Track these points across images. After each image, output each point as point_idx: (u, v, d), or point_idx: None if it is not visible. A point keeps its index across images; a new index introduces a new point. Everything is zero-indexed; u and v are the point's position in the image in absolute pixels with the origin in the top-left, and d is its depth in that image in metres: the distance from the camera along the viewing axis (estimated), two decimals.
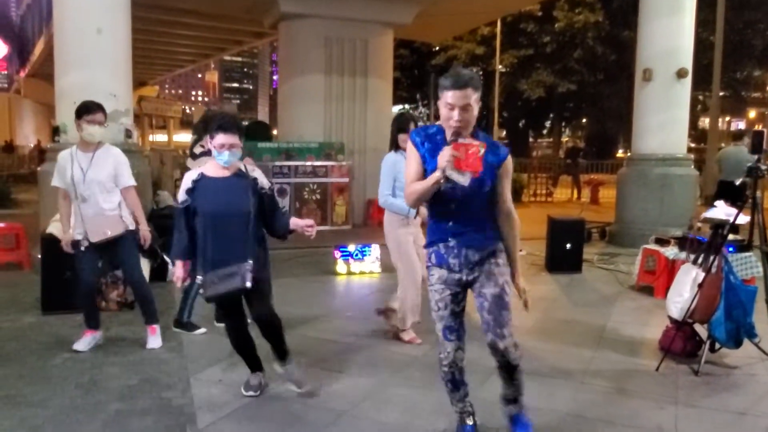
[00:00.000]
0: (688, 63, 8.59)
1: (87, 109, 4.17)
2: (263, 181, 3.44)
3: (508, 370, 2.87)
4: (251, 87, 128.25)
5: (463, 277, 2.76)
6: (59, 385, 3.62)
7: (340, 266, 6.87)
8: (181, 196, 3.35)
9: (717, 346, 4.20)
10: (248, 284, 3.21)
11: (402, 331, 4.49)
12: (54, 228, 5.02)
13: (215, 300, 3.41)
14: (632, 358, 4.29)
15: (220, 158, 3.31)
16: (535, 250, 8.11)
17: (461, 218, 2.72)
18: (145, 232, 4.31)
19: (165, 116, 39.66)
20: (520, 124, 38.53)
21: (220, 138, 3.26)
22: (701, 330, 4.26)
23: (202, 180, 3.34)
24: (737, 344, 4.07)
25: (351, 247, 6.95)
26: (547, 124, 39.67)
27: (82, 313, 4.34)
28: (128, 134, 6.53)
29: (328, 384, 3.75)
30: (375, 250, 6.94)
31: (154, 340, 4.32)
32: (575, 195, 16.70)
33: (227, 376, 3.82)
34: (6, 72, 52.87)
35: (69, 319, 4.74)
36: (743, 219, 4.17)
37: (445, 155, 2.45)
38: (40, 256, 5.29)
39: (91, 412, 3.27)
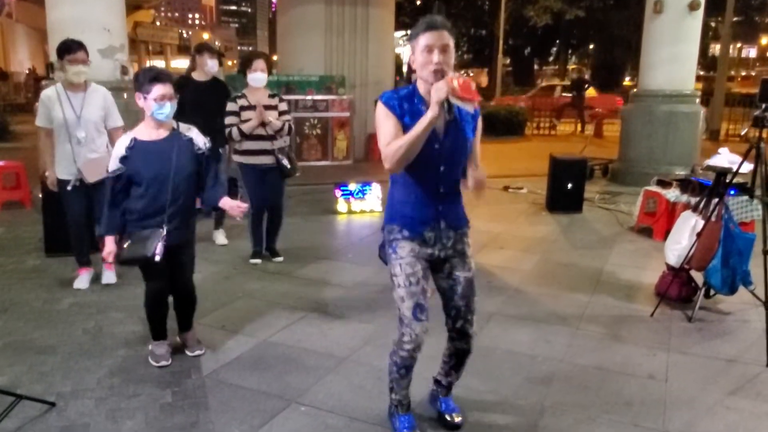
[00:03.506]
0: None
1: (67, 49, 4.13)
2: (199, 141, 3.28)
3: (462, 357, 2.76)
4: (250, 10, 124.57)
5: (435, 252, 2.56)
6: (66, 330, 3.71)
7: (341, 205, 6.89)
8: (114, 164, 3.13)
9: (712, 292, 4.26)
10: (157, 257, 3.08)
11: None
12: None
13: (137, 263, 3.20)
14: (628, 303, 4.37)
15: (161, 112, 3.09)
16: (536, 188, 8.11)
17: (449, 184, 2.53)
18: None
19: (162, 42, 38.77)
20: (526, 52, 37.58)
21: (159, 89, 3.06)
22: (697, 276, 4.31)
23: (135, 145, 3.13)
24: (732, 291, 4.12)
25: (352, 186, 6.94)
26: (553, 51, 38.69)
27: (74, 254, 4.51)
28: (124, 71, 6.39)
29: (329, 330, 3.83)
30: (375, 188, 6.93)
31: (110, 276, 4.51)
32: (579, 128, 16.50)
33: (230, 322, 3.91)
34: None
35: (72, 262, 4.77)
36: (747, 167, 4.13)
37: (441, 87, 2.25)
38: (40, 195, 5.30)
39: (98, 358, 3.37)
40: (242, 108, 4.80)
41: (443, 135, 2.46)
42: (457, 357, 2.76)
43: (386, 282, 4.39)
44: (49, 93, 4.24)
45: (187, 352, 3.47)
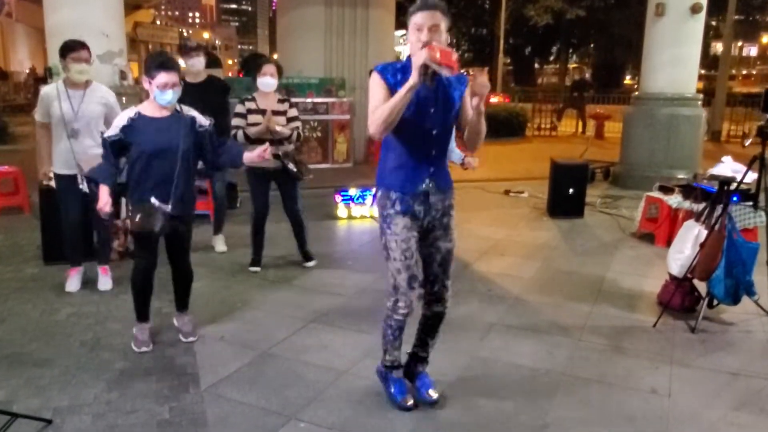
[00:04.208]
0: None
1: (71, 48, 4.20)
2: (201, 119, 3.50)
3: (438, 321, 2.98)
4: (250, 9, 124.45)
5: (424, 224, 2.79)
6: (64, 342, 3.67)
7: (341, 210, 6.85)
8: (113, 130, 3.35)
9: (715, 302, 4.22)
10: (157, 228, 3.33)
11: None
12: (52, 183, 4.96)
13: (134, 235, 3.51)
14: (629, 313, 4.33)
15: (163, 98, 3.32)
16: (537, 191, 8.07)
17: (440, 146, 2.74)
18: None
19: (162, 43, 38.71)
20: (526, 51, 37.53)
21: (163, 77, 3.27)
22: (700, 285, 4.27)
23: (139, 118, 3.35)
24: (735, 301, 4.09)
25: (352, 191, 6.91)
26: (554, 50, 38.63)
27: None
28: (123, 76, 6.35)
29: (329, 341, 3.79)
30: None
31: (106, 281, 4.53)
32: (580, 129, 16.47)
33: (229, 332, 3.87)
34: None
35: None
36: (751, 177, 4.09)
37: (421, 53, 2.40)
38: (38, 201, 5.27)
39: (95, 371, 3.33)
40: (249, 111, 4.76)
41: (435, 100, 2.65)
42: (432, 320, 2.98)
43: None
44: (48, 90, 4.30)
45: (181, 338, 3.70)
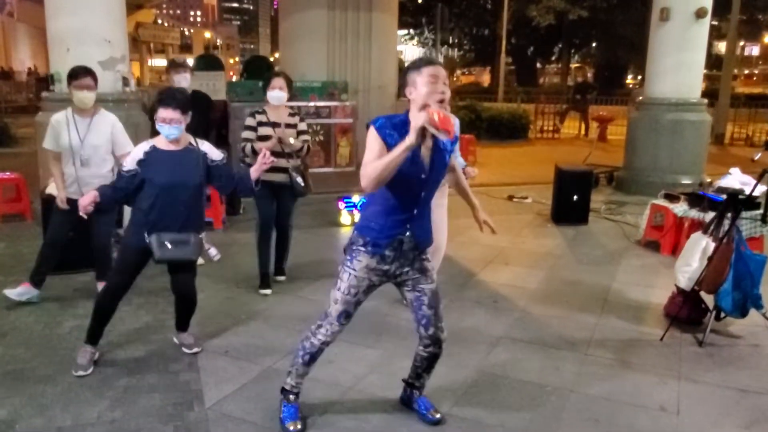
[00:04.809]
0: (707, 1, 8.21)
1: (74, 75, 4.22)
2: (213, 153, 3.59)
3: (434, 360, 2.98)
4: (252, 7, 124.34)
5: (392, 269, 2.77)
6: (66, 357, 3.62)
7: (344, 217, 6.83)
8: (130, 164, 3.42)
9: (722, 314, 4.19)
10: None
11: None
12: (53, 188, 4.94)
13: (120, 253, 3.58)
14: (636, 326, 4.30)
15: (162, 131, 3.41)
16: (541, 197, 8.03)
17: (425, 206, 2.77)
18: None
19: (164, 43, 38.78)
20: (528, 52, 37.44)
21: (161, 112, 3.36)
22: (707, 298, 4.24)
23: (153, 152, 3.42)
24: (743, 314, 4.06)
25: (355, 198, 6.87)
26: (556, 50, 38.54)
27: (39, 267, 4.45)
28: (125, 83, 6.31)
29: (334, 355, 3.72)
30: None
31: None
32: (583, 131, 16.42)
33: (233, 346, 3.84)
34: None
35: (72, 280, 4.75)
36: (760, 189, 4.05)
37: (421, 115, 2.43)
38: (40, 208, 5.25)
39: (99, 388, 3.29)
40: (260, 123, 4.75)
41: (429, 165, 2.66)
42: (429, 361, 2.98)
43: (393, 304, 4.32)
44: (59, 117, 4.33)
45: (185, 350, 3.73)
